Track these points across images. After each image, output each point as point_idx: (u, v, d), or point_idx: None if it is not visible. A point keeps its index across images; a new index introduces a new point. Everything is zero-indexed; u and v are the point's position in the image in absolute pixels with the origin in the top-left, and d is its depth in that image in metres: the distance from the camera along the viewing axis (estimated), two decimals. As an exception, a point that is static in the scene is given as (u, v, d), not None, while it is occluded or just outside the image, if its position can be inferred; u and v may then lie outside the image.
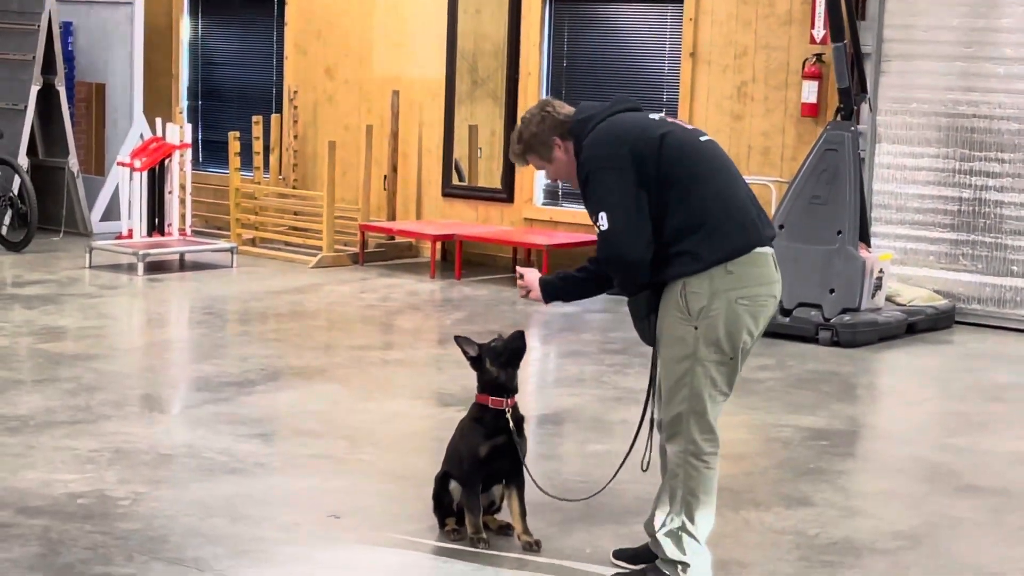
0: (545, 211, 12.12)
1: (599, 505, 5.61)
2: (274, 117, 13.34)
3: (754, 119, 10.89)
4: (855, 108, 9.77)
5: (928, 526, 5.61)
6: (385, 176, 12.67)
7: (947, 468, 6.48)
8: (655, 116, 4.77)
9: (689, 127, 4.84)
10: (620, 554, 5.04)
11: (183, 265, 11.78)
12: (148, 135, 12.80)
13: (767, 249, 4.65)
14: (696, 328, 4.55)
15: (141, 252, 11.25)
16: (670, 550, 4.69)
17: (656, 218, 4.59)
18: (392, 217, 12.66)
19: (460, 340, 5.22)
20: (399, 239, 12.52)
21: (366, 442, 6.57)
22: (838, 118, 9.74)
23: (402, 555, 5.06)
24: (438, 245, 11.90)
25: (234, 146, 12.82)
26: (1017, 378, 8.62)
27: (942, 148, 10.23)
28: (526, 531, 5.14)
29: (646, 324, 4.75)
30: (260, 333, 9.23)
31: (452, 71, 12.53)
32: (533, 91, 12.05)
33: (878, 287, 9.50)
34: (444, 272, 11.73)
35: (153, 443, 6.48)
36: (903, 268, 10.27)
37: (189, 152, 12.30)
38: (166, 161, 12.02)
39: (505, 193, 12.27)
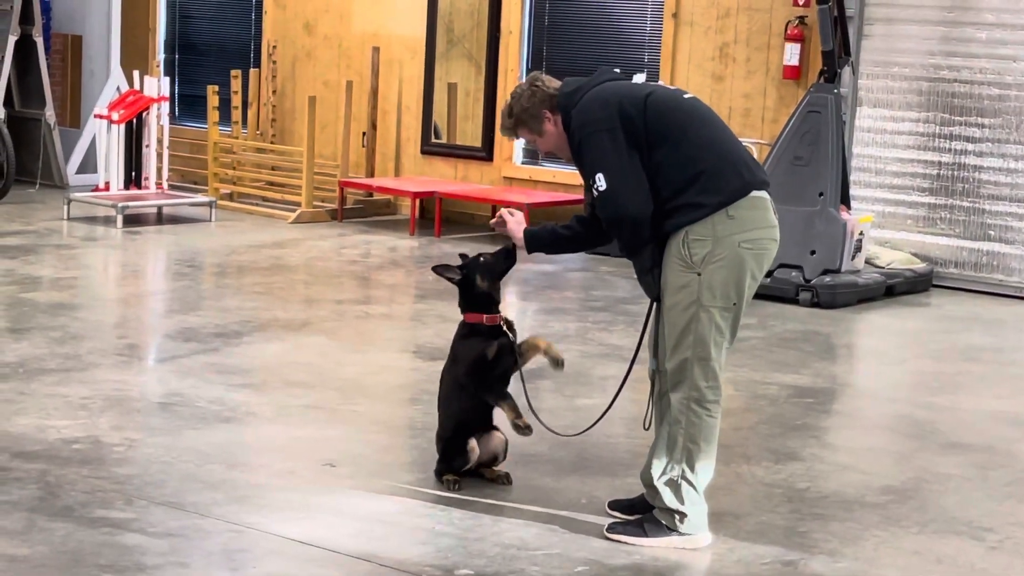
0: (524, 170, 12.13)
1: (593, 457, 5.68)
2: (252, 72, 13.29)
3: (736, 81, 10.93)
4: (838, 71, 9.81)
5: (916, 481, 5.68)
6: (364, 133, 12.65)
7: (931, 426, 6.56)
8: (638, 80, 4.94)
9: (672, 88, 4.96)
10: (615, 505, 5.09)
11: (161, 218, 11.75)
12: (125, 88, 12.74)
13: (764, 193, 4.74)
14: (700, 275, 4.62)
15: (120, 204, 11.21)
16: (668, 498, 4.74)
17: (651, 177, 4.67)
18: (371, 174, 12.65)
19: (439, 269, 5.32)
20: (378, 196, 12.51)
21: (357, 393, 6.60)
22: (821, 80, 9.79)
23: (398, 502, 5.10)
24: (417, 202, 11.90)
25: (212, 100, 12.77)
26: (994, 340, 8.71)
27: (923, 112, 10.29)
28: (519, 415, 5.16)
29: (650, 278, 4.79)
30: (243, 286, 9.23)
31: (432, 29, 12.51)
32: (514, 50, 12.06)
33: (858, 249, 9.57)
34: (423, 229, 11.74)
35: (144, 391, 6.50)
36: (882, 231, 10.34)
37: (166, 105, 12.23)
38: (143, 114, 11.96)
39: (485, 151, 12.27)
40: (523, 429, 5.12)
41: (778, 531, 4.99)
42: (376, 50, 12.60)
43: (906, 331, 8.97)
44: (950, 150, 10.21)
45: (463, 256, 5.40)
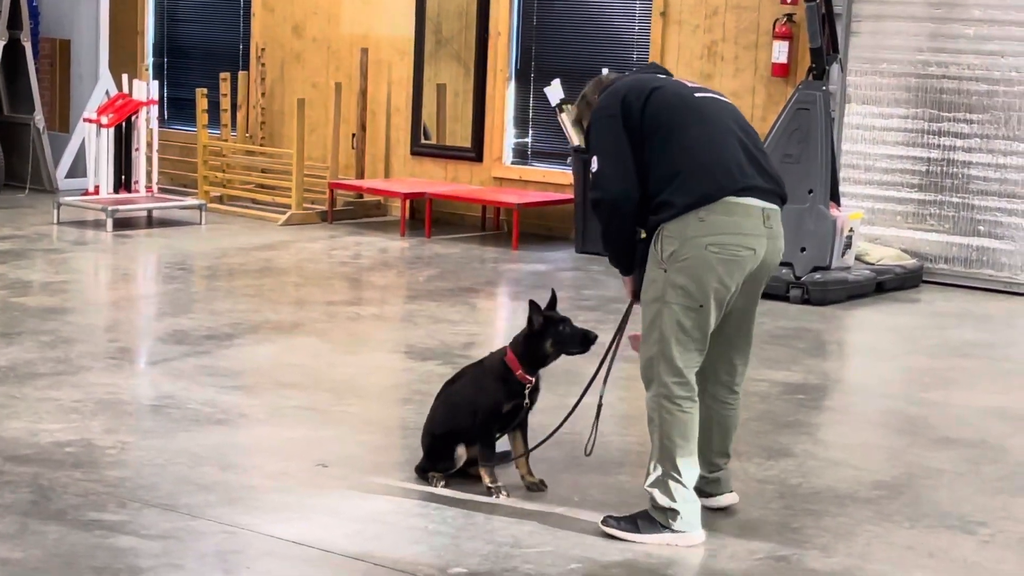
0: (514, 170, 12.14)
1: (584, 455, 5.67)
2: (241, 75, 13.29)
3: (724, 79, 10.94)
4: (826, 68, 9.83)
5: (908, 476, 5.69)
6: (353, 134, 12.66)
7: (923, 421, 6.58)
8: (662, 76, 5.02)
9: (690, 84, 5.00)
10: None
11: (151, 222, 11.75)
12: (114, 92, 12.72)
13: (748, 200, 4.70)
14: (665, 271, 4.69)
15: (110, 208, 11.20)
16: (659, 497, 4.76)
17: (643, 170, 4.75)
18: (360, 175, 12.65)
19: (533, 306, 5.21)
20: (368, 197, 12.51)
21: (349, 394, 6.60)
22: (810, 77, 9.80)
23: (392, 501, 5.10)
24: (407, 203, 11.90)
25: (202, 103, 12.77)
26: (984, 336, 8.73)
27: (911, 109, 10.32)
28: (530, 472, 5.26)
29: (638, 275, 4.88)
30: (234, 288, 9.22)
31: (421, 30, 12.51)
32: (503, 51, 12.07)
33: (848, 246, 9.59)
34: (413, 230, 11.74)
35: (136, 394, 6.50)
36: (871, 228, 10.36)
37: (155, 109, 12.23)
38: (132, 118, 11.95)
39: (474, 152, 12.28)
40: (497, 492, 5.14)
41: (771, 527, 5.00)
42: (365, 52, 12.60)
43: (897, 327, 8.98)
44: (939, 146, 10.24)
45: (553, 296, 5.33)
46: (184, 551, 4.55)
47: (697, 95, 4.90)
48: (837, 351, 8.49)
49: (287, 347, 7.54)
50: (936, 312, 9.38)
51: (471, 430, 5.21)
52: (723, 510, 5.10)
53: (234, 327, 7.88)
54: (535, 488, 5.25)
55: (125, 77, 12.25)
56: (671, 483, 4.74)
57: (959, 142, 10.16)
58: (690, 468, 4.78)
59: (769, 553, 4.74)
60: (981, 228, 10.15)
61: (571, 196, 11.24)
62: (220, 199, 12.76)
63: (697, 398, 4.79)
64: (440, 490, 5.19)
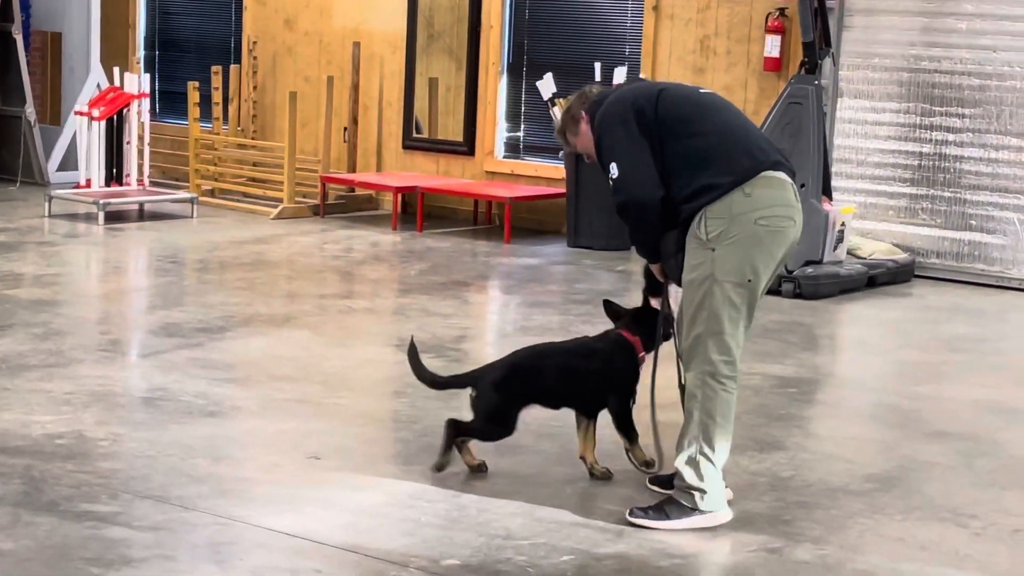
0: (506, 164, 12.14)
1: (575, 447, 5.67)
2: (233, 68, 13.27)
3: (716, 73, 10.94)
4: (819, 62, 9.83)
5: (900, 469, 5.70)
6: (345, 128, 12.65)
7: (915, 414, 6.59)
8: (620, 73, 5.23)
9: (689, 85, 5.24)
10: (655, 480, 5.23)
11: (143, 215, 11.73)
12: (105, 85, 12.70)
13: (779, 174, 4.84)
14: (714, 250, 4.73)
15: (102, 201, 11.19)
16: (689, 476, 4.81)
17: (669, 165, 4.85)
18: (352, 169, 12.64)
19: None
20: (359, 191, 12.51)
21: (341, 387, 6.59)
22: (802, 72, 9.80)
23: (384, 494, 5.10)
24: (399, 197, 11.89)
25: (193, 96, 12.75)
26: (975, 329, 8.74)
27: (903, 103, 10.32)
28: (596, 461, 5.37)
29: (674, 261, 4.93)
30: (225, 282, 9.21)
31: (413, 24, 12.50)
32: (495, 44, 12.06)
33: (840, 240, 9.60)
34: (405, 224, 11.73)
35: (128, 386, 6.49)
36: (863, 222, 10.37)
37: (147, 102, 12.21)
38: (124, 111, 11.93)
39: (466, 146, 12.27)
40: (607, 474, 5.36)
41: (763, 519, 5.01)
42: (357, 45, 12.59)
43: (888, 321, 8.99)
44: (931, 140, 10.24)
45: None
46: (176, 542, 4.54)
47: (701, 91, 5.11)
48: (829, 345, 8.50)
49: (279, 340, 7.53)
50: (928, 306, 9.39)
51: (585, 401, 5.32)
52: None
53: (226, 320, 7.88)
54: (605, 477, 5.33)
55: (116, 70, 12.23)
56: (703, 462, 4.80)
57: (951, 136, 10.17)
58: (724, 449, 4.84)
59: (761, 545, 4.75)
60: (973, 222, 10.16)
61: (563, 190, 11.24)
62: (212, 192, 12.74)
63: (739, 380, 4.86)
64: (435, 475, 5.18)
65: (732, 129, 4.91)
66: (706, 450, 4.78)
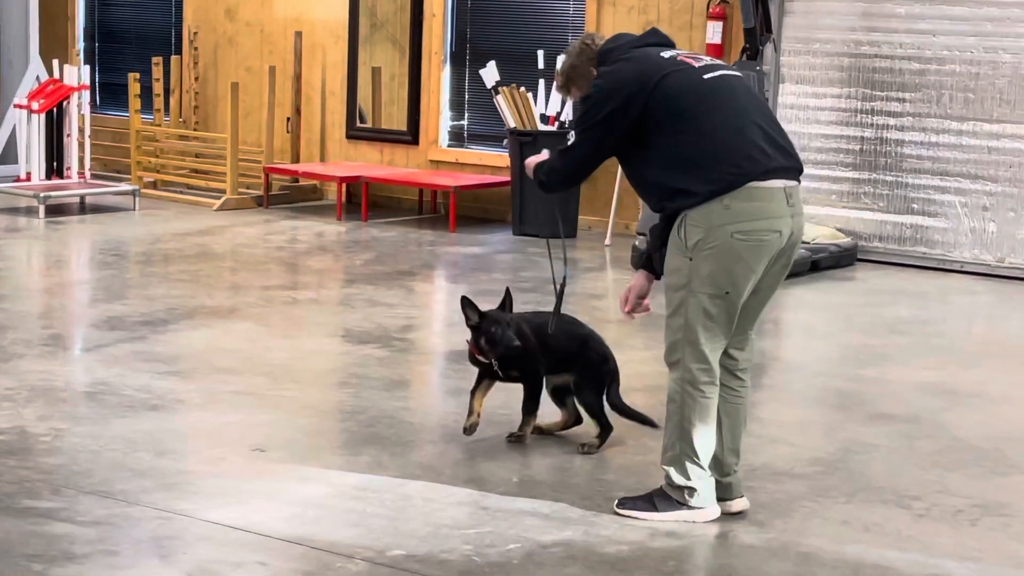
0: (451, 153, 12.12)
1: (526, 437, 5.68)
2: (174, 59, 13.18)
3: (659, 60, 10.93)
4: (760, 48, 9.87)
5: (844, 452, 5.74)
6: (288, 118, 12.59)
7: (858, 397, 6.63)
8: (667, 54, 4.77)
9: (699, 64, 4.76)
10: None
11: (84, 208, 11.64)
12: (44, 77, 12.57)
13: (770, 183, 4.61)
14: (691, 260, 4.61)
15: (42, 194, 11.08)
16: (675, 476, 4.78)
17: (650, 154, 4.69)
18: (296, 160, 12.59)
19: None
20: (303, 181, 12.45)
21: (286, 378, 6.56)
22: (743, 58, 9.84)
23: (329, 485, 5.08)
24: (344, 187, 11.85)
25: (134, 88, 12.65)
26: (918, 312, 8.81)
27: (844, 88, 10.38)
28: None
29: (658, 255, 4.85)
30: (169, 274, 9.15)
31: (355, 13, 12.45)
32: (438, 33, 12.03)
33: (783, 225, 9.62)
34: (350, 214, 11.70)
35: (70, 381, 6.43)
36: (806, 207, 10.36)
37: (87, 94, 12.10)
38: (64, 103, 11.83)
39: (410, 135, 12.24)
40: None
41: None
42: (299, 35, 12.53)
43: (832, 305, 9.05)
44: (872, 125, 10.31)
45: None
46: (120, 537, 4.51)
47: (707, 77, 4.72)
48: (773, 330, 8.52)
49: (223, 332, 7.49)
50: (871, 290, 9.46)
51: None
52: (734, 515, 4.94)
53: (169, 312, 7.83)
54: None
55: (56, 62, 12.11)
56: (687, 463, 4.75)
57: (892, 121, 10.24)
58: (707, 448, 4.77)
59: (706, 529, 4.76)
60: (915, 206, 10.23)
61: (508, 178, 11.23)
62: (154, 184, 12.66)
63: (718, 383, 4.76)
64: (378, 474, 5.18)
65: (726, 132, 4.63)
66: (688, 451, 4.73)
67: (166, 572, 4.26)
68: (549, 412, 5.78)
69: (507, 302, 5.57)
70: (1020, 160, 9.87)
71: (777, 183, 4.63)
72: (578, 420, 5.66)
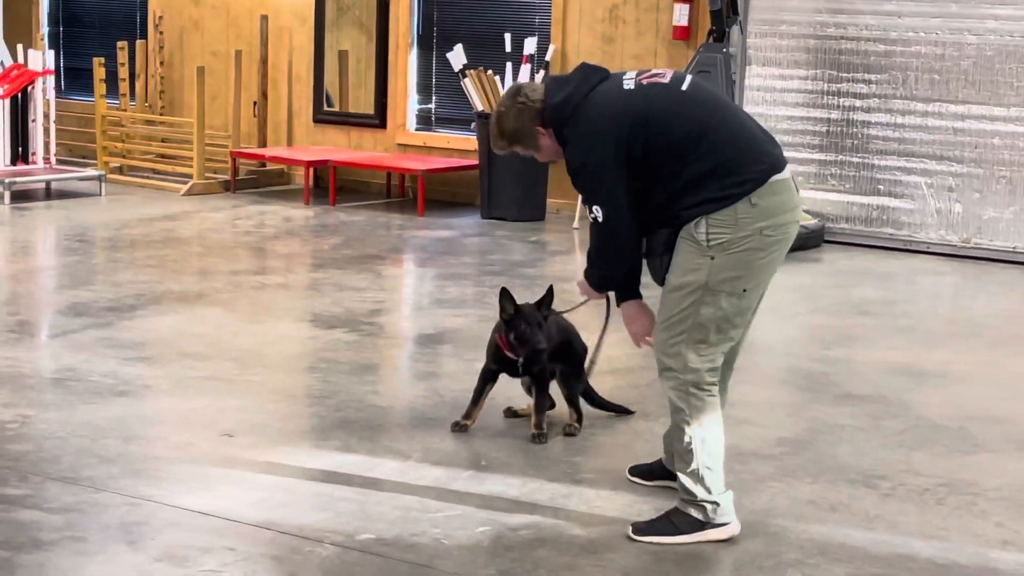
0: (419, 136, 12.10)
1: (492, 420, 5.69)
2: (139, 43, 13.12)
3: (626, 42, 10.97)
4: (726, 30, 9.88)
5: (810, 432, 5.77)
6: (255, 103, 12.54)
7: (825, 378, 6.66)
8: (629, 84, 4.55)
9: (667, 79, 4.57)
10: (634, 470, 5.06)
11: (50, 194, 11.58)
12: (9, 62, 12.49)
13: (784, 174, 4.51)
14: (713, 259, 4.42)
15: (7, 180, 11.02)
16: (697, 490, 4.54)
17: (667, 184, 4.45)
18: (263, 144, 12.55)
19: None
20: (271, 166, 12.42)
21: (254, 363, 6.55)
22: (710, 40, 9.86)
23: (298, 470, 5.07)
24: (311, 171, 11.82)
25: (99, 72, 12.59)
26: (884, 293, 8.85)
27: (811, 70, 10.41)
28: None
29: (658, 262, 4.59)
30: (135, 260, 9.12)
31: (321, -4, 12.42)
32: (404, 16, 12.01)
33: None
34: (318, 198, 11.68)
35: (36, 367, 6.41)
36: (773, 189, 10.43)
37: (52, 79, 12.04)
38: (29, 88, 11.76)
39: (378, 119, 12.22)
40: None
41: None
42: (265, 19, 12.48)
43: (799, 286, 9.07)
44: (838, 107, 10.34)
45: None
46: (87, 523, 4.50)
47: (684, 89, 4.53)
48: (741, 311, 8.55)
49: (191, 317, 7.47)
50: (837, 271, 9.49)
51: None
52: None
53: (136, 298, 7.80)
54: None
55: (20, 47, 12.04)
56: (707, 474, 4.54)
57: (858, 102, 10.28)
58: (721, 453, 4.60)
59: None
60: (881, 187, 10.27)
61: (476, 162, 11.23)
62: (120, 170, 12.61)
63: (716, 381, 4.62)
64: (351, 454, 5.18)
65: (736, 134, 4.46)
66: (708, 461, 4.54)
67: (134, 558, 4.25)
68: (519, 396, 5.79)
69: (547, 299, 5.46)
70: (985, 141, 9.93)
71: (787, 173, 4.53)
72: (552, 404, 5.65)
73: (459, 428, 5.53)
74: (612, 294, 4.93)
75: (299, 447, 5.35)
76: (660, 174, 4.46)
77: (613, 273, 4.70)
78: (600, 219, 4.50)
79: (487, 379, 5.57)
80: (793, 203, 4.52)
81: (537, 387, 5.55)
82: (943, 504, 4.96)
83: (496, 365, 5.55)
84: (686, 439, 4.54)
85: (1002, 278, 9.46)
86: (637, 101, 4.48)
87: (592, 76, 4.60)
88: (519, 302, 5.45)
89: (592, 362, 5.62)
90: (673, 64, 10.64)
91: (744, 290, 4.49)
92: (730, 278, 4.44)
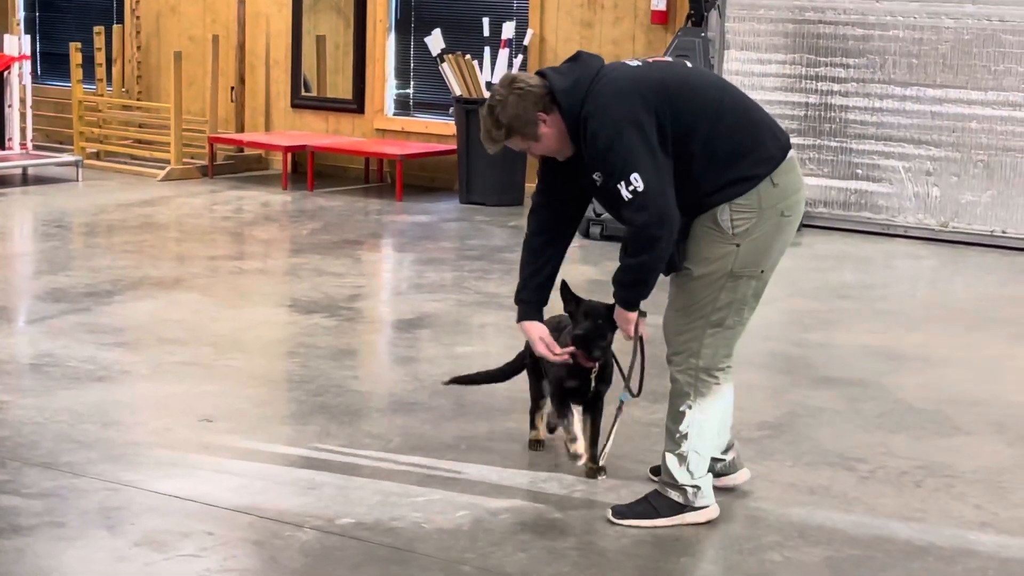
0: (396, 121, 12.08)
1: (471, 404, 5.69)
2: (116, 28, 13.05)
3: (604, 27, 10.95)
4: (705, 15, 9.88)
5: (790, 416, 5.78)
6: (232, 88, 12.50)
7: (804, 361, 6.68)
8: (635, 63, 4.49)
9: (663, 59, 4.59)
10: (656, 471, 4.89)
11: (27, 179, 11.53)
12: (-15, 47, 12.44)
13: (793, 151, 4.49)
14: (739, 246, 4.35)
15: (-17, 166, 10.98)
16: (680, 474, 4.54)
17: (687, 163, 4.34)
18: (241, 129, 12.51)
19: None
20: (248, 151, 12.38)
21: (233, 348, 6.54)
22: (689, 24, 9.85)
23: (277, 455, 5.07)
24: (289, 157, 11.79)
25: (76, 58, 12.53)
26: (863, 277, 8.88)
27: (789, 54, 10.41)
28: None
29: (675, 249, 4.42)
30: (113, 245, 9.08)
31: (299, -20, 12.37)
32: (382, 1, 11.97)
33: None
34: (296, 184, 11.65)
35: (14, 353, 6.39)
36: (752, 173, 10.44)
37: (28, 64, 11.98)
38: (5, 73, 11.70)
39: (356, 104, 12.19)
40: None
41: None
42: (242, 3, 12.43)
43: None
44: (817, 91, 10.35)
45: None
46: (66, 509, 4.49)
47: (690, 66, 4.57)
48: (720, 295, 8.57)
49: (169, 303, 7.45)
50: (816, 255, 9.51)
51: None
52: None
53: (114, 284, 7.77)
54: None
55: (-5, 32, 11.99)
56: (694, 458, 4.54)
57: (836, 87, 10.28)
58: (715, 441, 4.62)
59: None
60: (859, 171, 10.29)
61: (454, 147, 11.21)
62: (97, 155, 12.55)
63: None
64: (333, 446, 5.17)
65: (749, 111, 4.40)
66: (699, 446, 4.52)
67: (113, 543, 4.24)
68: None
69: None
70: (963, 125, 9.95)
71: (792, 150, 4.49)
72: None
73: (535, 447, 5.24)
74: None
75: (278, 432, 5.34)
76: (693, 149, 4.31)
77: (659, 255, 4.31)
78: (640, 188, 4.22)
79: (563, 403, 4.93)
80: (801, 182, 4.49)
81: (597, 406, 5.02)
82: (921, 486, 4.98)
83: (571, 382, 4.91)
84: (683, 424, 4.53)
85: (980, 261, 9.49)
86: (653, 72, 4.41)
87: (592, 61, 4.50)
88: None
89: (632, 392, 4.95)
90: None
91: (762, 271, 4.46)
92: (753, 261, 4.41)
